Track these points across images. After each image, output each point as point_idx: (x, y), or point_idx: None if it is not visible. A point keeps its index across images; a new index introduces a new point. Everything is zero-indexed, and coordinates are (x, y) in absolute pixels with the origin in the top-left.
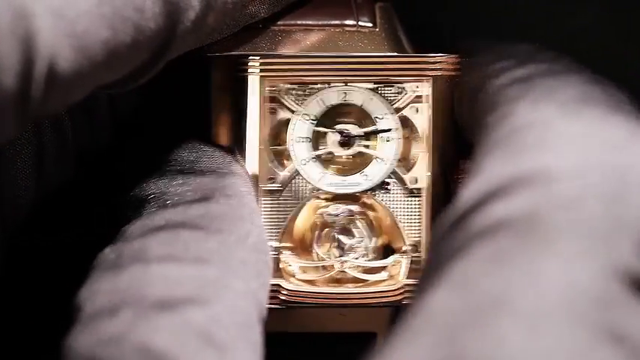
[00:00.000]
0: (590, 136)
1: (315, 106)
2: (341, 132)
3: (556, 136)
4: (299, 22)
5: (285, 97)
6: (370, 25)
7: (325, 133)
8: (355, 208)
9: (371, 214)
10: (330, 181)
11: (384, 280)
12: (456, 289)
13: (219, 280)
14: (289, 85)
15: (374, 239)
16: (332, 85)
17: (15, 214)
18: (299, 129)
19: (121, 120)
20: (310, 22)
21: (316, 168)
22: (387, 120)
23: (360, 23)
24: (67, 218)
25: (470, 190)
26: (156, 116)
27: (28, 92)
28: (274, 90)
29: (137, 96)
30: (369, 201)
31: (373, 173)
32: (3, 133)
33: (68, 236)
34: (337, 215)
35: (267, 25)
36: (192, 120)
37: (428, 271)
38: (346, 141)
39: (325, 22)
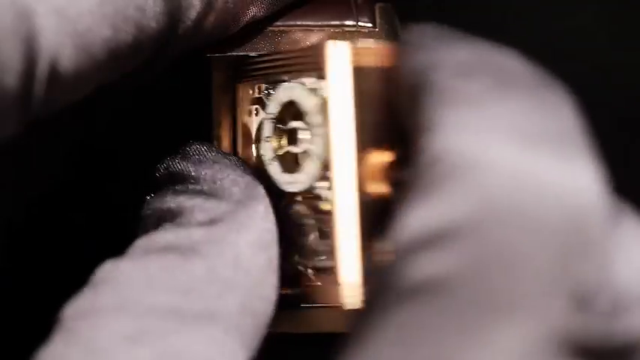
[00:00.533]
0: (531, 177)
1: (274, 105)
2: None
3: (494, 177)
4: (298, 22)
5: (264, 97)
6: (370, 25)
7: (285, 132)
8: (302, 207)
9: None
10: (285, 179)
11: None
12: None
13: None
14: (266, 85)
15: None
16: (282, 83)
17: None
18: (266, 129)
19: (119, 121)
20: (310, 23)
21: (277, 167)
22: (312, 116)
23: (359, 23)
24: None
25: (401, 234)
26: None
27: (30, 91)
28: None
29: (136, 99)
30: (314, 200)
31: (310, 171)
32: (5, 132)
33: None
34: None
35: (267, 25)
36: (194, 122)
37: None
38: (293, 139)
39: (325, 23)
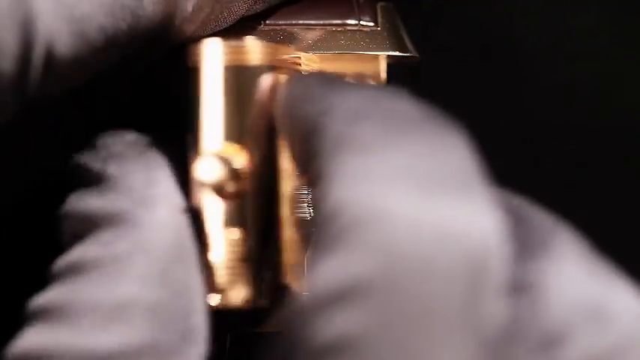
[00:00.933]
0: (431, 224)
1: None
2: None
3: (395, 228)
4: (300, 21)
5: None
6: (372, 24)
7: None
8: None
9: None
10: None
11: None
12: None
13: None
14: None
15: None
16: None
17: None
18: None
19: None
20: (312, 22)
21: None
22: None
23: (362, 22)
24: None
25: (308, 290)
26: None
27: (26, 76)
28: None
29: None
30: None
31: None
32: (1, 116)
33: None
34: None
35: (269, 24)
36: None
37: None
38: None
39: (327, 22)
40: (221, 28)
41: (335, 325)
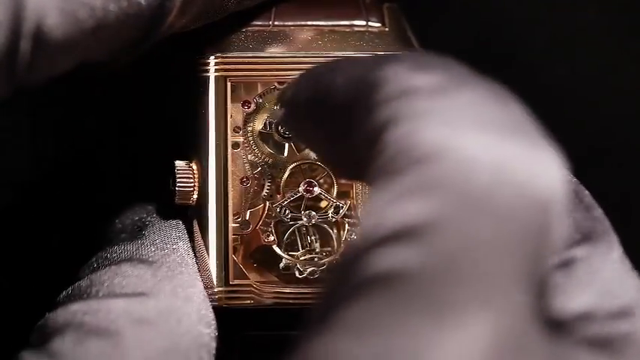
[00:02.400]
0: (500, 166)
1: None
2: None
3: (465, 168)
4: (309, 22)
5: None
6: (379, 25)
7: None
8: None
9: None
10: None
11: None
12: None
13: None
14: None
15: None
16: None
17: None
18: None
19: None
20: (321, 23)
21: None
22: None
23: (369, 23)
24: None
25: (366, 227)
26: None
27: (16, 51)
28: None
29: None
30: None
31: None
32: None
33: None
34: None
35: (277, 25)
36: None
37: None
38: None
39: (335, 23)
40: (210, 21)
41: (394, 258)
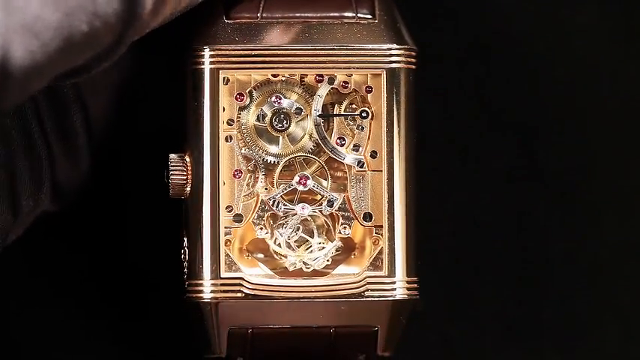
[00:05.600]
0: None
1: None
2: None
3: None
4: (297, 14)
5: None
6: (369, 16)
7: None
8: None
9: None
10: None
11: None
12: None
13: None
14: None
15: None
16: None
17: None
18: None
19: (98, 145)
20: (309, 15)
21: None
22: None
23: (359, 15)
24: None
25: None
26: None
27: None
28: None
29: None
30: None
31: None
32: None
33: None
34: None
35: (266, 17)
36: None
37: None
38: None
39: (324, 15)
40: (180, 14)
41: None
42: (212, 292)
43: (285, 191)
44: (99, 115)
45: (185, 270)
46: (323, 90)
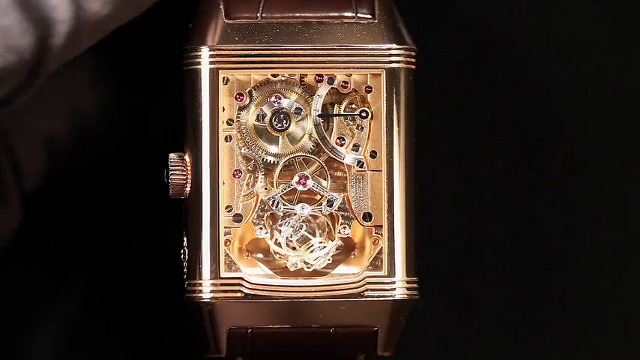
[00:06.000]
0: None
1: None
2: None
3: None
4: (297, 14)
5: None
6: (369, 16)
7: None
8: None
9: None
10: None
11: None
12: None
13: None
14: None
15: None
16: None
17: None
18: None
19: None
20: (309, 15)
21: None
22: None
23: (358, 15)
24: None
25: None
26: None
27: None
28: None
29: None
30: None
31: None
32: None
33: None
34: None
35: (265, 17)
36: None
37: None
38: None
39: (324, 15)
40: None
41: None
42: (212, 292)
43: (285, 191)
44: (29, 156)
45: (185, 270)
46: (323, 90)
